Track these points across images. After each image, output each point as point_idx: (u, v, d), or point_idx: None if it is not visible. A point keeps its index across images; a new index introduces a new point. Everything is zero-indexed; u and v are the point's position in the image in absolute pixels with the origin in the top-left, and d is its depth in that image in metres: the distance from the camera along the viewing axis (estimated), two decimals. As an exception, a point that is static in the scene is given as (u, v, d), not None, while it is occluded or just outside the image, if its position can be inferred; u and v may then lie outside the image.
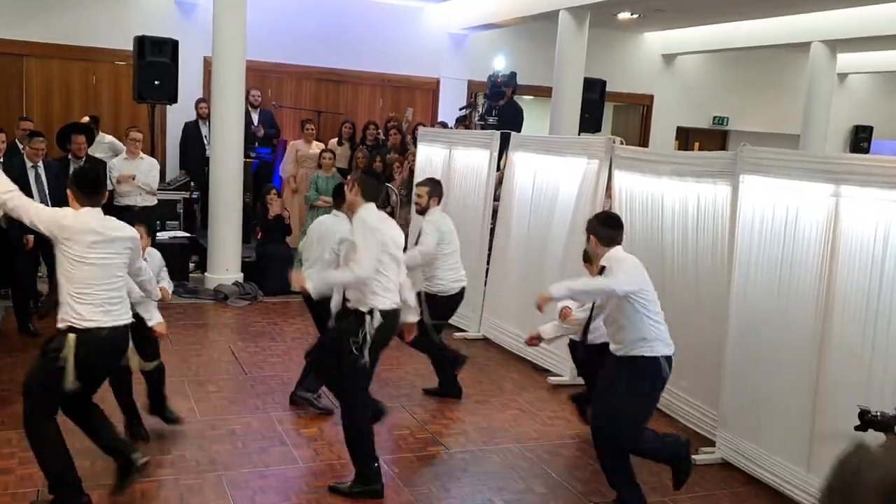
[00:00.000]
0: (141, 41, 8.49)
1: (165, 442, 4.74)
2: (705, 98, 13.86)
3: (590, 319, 4.70)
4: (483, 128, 8.64)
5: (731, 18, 11.31)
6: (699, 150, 12.77)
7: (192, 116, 10.11)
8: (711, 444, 5.08)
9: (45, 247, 6.94)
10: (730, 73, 13.76)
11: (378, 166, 8.82)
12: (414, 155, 8.63)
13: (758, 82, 13.85)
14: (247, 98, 9.10)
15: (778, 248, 4.63)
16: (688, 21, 12.03)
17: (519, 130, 8.40)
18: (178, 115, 10.15)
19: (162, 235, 8.46)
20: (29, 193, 6.57)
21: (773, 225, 4.65)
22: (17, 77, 10.05)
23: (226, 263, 8.40)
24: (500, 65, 9.29)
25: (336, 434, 5.08)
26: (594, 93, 10.29)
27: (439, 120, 10.99)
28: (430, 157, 8.20)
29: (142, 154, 7.98)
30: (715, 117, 14.04)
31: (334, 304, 4.82)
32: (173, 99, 8.82)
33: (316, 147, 9.70)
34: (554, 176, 6.69)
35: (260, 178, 9.89)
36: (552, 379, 6.29)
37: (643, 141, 13.36)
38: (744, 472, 4.80)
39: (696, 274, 5.41)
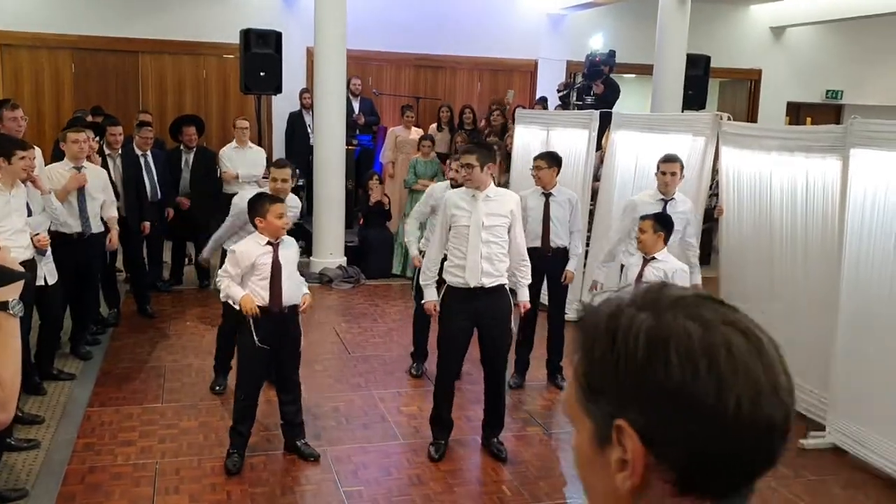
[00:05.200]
0: (246, 34, 8.76)
1: (273, 417, 4.93)
2: (817, 71, 13.22)
3: None
4: (580, 108, 8.54)
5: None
6: (811, 125, 12.21)
7: (297, 106, 10.38)
8: (821, 428, 4.89)
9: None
10: (844, 45, 13.07)
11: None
12: (511, 137, 8.62)
13: (876, 53, 13.09)
14: (348, 87, 9.28)
15: (891, 224, 4.40)
16: (798, -9, 11.51)
17: (610, 107, 8.26)
18: (283, 105, 10.45)
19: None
20: (142, 180, 7.00)
21: (887, 200, 4.43)
22: (133, 73, 10.57)
23: (330, 248, 8.64)
24: (597, 44, 9.14)
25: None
26: (698, 69, 9.98)
27: (541, 95, 10.88)
28: (527, 139, 8.16)
29: (250, 143, 8.26)
30: (828, 91, 13.38)
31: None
32: (278, 89, 9.07)
33: (415, 133, 9.80)
34: (657, 154, 6.53)
35: (361, 164, 10.09)
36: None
37: (751, 117, 12.88)
38: (856, 458, 4.61)
39: (805, 251, 5.22)
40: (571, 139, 7.44)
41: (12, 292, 1.77)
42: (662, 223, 4.59)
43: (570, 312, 6.00)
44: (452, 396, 4.60)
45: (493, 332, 4.46)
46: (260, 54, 8.74)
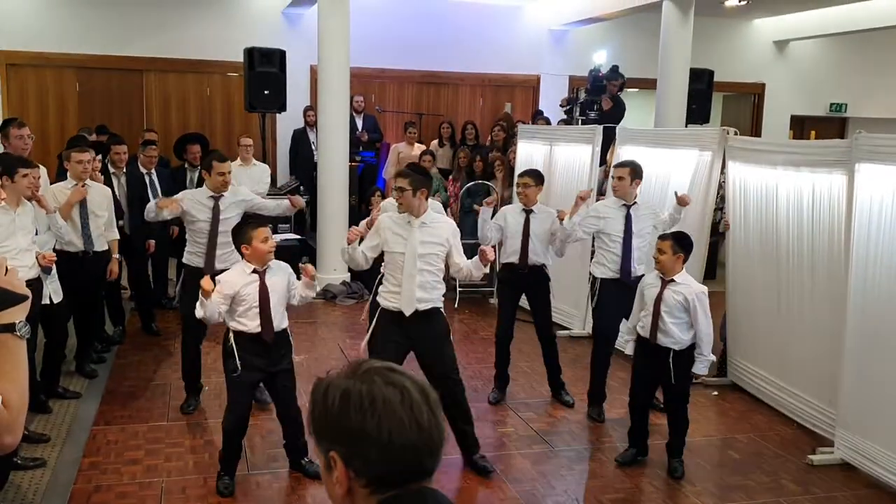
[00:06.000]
0: (250, 53, 8.81)
1: (277, 436, 4.91)
2: (821, 84, 13.23)
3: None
4: (584, 122, 8.56)
5: (848, 0, 10.74)
6: (816, 138, 12.21)
7: (301, 124, 10.42)
8: (830, 444, 4.86)
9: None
10: (848, 58, 13.08)
11: (479, 165, 8.88)
12: (514, 152, 8.63)
13: (880, 65, 13.10)
14: (351, 104, 9.31)
15: (899, 238, 4.39)
16: (801, 6, 11.50)
17: (617, 123, 8.28)
18: (287, 123, 10.48)
19: (275, 237, 8.75)
20: (146, 199, 7.01)
21: (893, 215, 4.41)
22: (138, 91, 10.61)
23: (334, 264, 8.63)
24: (600, 59, 9.17)
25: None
26: (701, 83, 10.01)
27: (543, 114, 10.89)
28: (530, 154, 8.18)
29: (254, 160, 8.29)
30: (832, 104, 13.39)
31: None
32: (282, 107, 9.11)
33: (417, 149, 9.83)
34: (664, 169, 6.56)
35: (364, 180, 10.10)
36: (660, 377, 6.17)
37: (755, 131, 12.89)
38: (866, 474, 4.57)
39: (811, 265, 5.20)
40: (575, 154, 7.46)
41: (19, 314, 1.77)
42: (682, 244, 4.46)
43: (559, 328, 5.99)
44: None
45: (433, 356, 4.40)
46: (264, 73, 8.79)
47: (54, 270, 5.06)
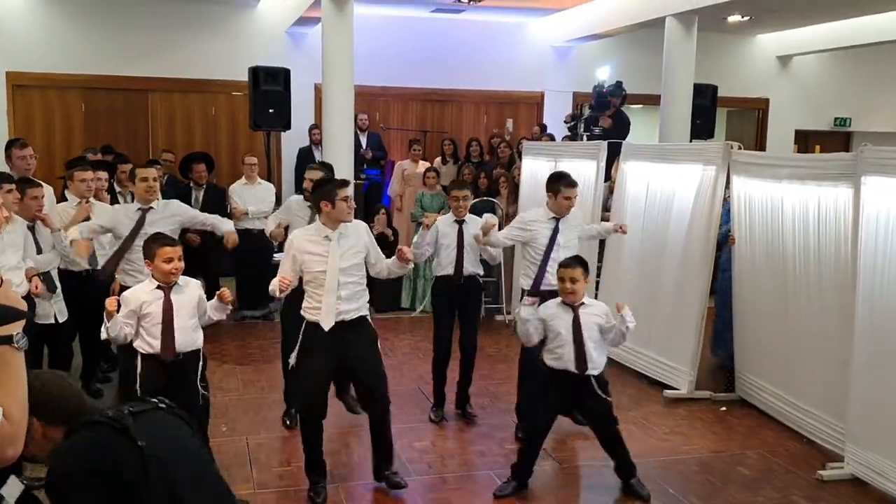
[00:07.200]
0: (255, 72, 8.84)
1: (284, 454, 4.89)
2: (825, 99, 13.25)
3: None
4: (589, 138, 8.56)
5: (851, 15, 10.77)
6: (820, 153, 12.19)
7: (306, 142, 10.45)
8: (840, 459, 4.82)
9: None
10: (852, 72, 13.10)
11: (483, 182, 8.88)
12: (519, 169, 8.63)
13: (883, 80, 13.11)
14: (355, 122, 9.33)
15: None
16: (804, 21, 11.53)
17: (622, 138, 8.29)
18: (292, 141, 10.51)
19: (279, 256, 8.74)
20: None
21: (901, 227, 4.39)
22: (143, 111, 10.66)
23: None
24: (604, 75, 9.19)
25: (448, 447, 5.12)
26: (705, 99, 10.01)
27: (547, 132, 10.90)
28: (535, 171, 8.17)
29: (259, 179, 8.31)
30: (836, 119, 13.40)
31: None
32: (287, 126, 9.13)
33: (422, 166, 9.84)
34: (668, 184, 6.54)
35: (370, 198, 10.11)
36: (668, 393, 6.13)
37: (759, 146, 12.89)
38: (876, 489, 4.52)
39: (818, 279, 5.17)
40: (579, 170, 7.44)
41: (15, 326, 1.77)
42: (587, 267, 4.39)
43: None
44: (322, 437, 4.33)
45: (363, 366, 4.28)
46: (269, 91, 8.81)
47: (59, 290, 5.06)
